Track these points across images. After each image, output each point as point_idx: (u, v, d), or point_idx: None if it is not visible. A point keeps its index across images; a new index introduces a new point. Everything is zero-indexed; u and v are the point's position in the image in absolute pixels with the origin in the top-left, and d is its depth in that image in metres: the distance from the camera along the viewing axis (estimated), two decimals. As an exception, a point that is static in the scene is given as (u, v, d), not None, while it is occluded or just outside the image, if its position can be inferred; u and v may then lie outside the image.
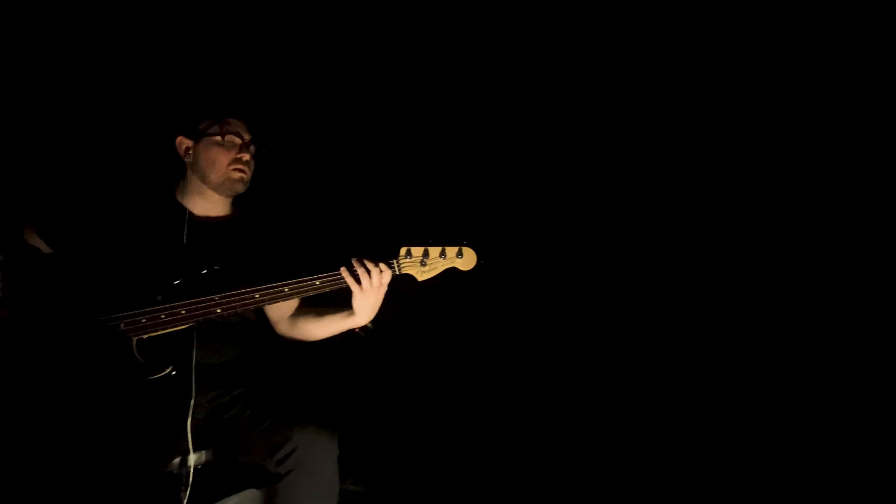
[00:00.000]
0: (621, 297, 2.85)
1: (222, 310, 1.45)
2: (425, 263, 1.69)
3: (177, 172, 1.80)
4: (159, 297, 1.42)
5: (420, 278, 1.71)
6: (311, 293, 1.58)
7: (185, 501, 1.45)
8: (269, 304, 1.55)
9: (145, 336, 1.40)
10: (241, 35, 2.60)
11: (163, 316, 1.40)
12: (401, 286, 1.73)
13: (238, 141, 1.74)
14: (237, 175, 1.72)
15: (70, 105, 2.30)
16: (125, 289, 1.44)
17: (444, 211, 2.62)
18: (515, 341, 2.90)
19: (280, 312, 1.78)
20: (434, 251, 1.70)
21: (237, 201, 1.84)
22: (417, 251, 1.70)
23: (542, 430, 2.77)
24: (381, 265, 1.61)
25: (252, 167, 1.78)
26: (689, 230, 2.82)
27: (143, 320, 1.39)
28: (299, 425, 1.56)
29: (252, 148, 1.77)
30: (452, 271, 1.74)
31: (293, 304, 1.78)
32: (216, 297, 1.45)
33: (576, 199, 2.88)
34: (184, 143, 1.74)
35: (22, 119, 2.29)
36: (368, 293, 1.60)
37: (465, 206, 2.74)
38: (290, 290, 1.55)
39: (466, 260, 1.73)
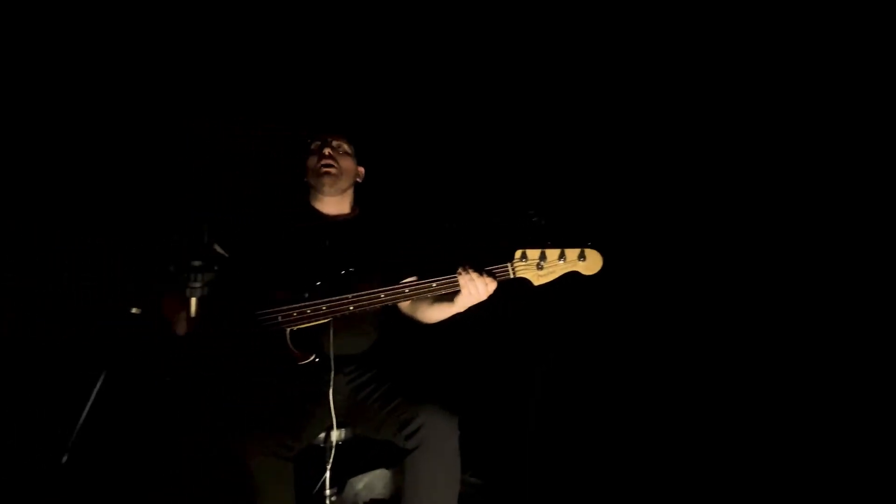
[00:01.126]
0: (742, 301, 2.65)
1: (354, 307, 1.63)
2: (542, 267, 1.64)
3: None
4: (306, 295, 1.62)
5: (536, 282, 1.67)
6: (428, 295, 1.67)
7: (328, 471, 1.67)
8: (391, 303, 1.67)
9: (295, 328, 1.62)
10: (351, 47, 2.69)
11: (308, 311, 1.61)
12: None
13: (319, 143, 1.92)
14: (323, 169, 1.88)
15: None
16: (281, 287, 1.67)
17: (564, 212, 2.54)
18: (638, 339, 2.76)
19: (406, 304, 1.93)
20: (552, 254, 1.64)
21: (357, 200, 2.02)
22: (533, 254, 1.65)
23: (663, 431, 2.65)
24: (487, 279, 1.64)
25: (341, 161, 1.91)
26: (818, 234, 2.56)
27: (294, 314, 1.61)
28: (425, 404, 1.67)
29: (333, 141, 1.92)
30: (573, 276, 1.67)
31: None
32: (349, 296, 1.63)
33: (694, 199, 2.71)
34: (301, 163, 1.98)
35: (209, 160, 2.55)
36: (472, 298, 1.67)
37: (584, 207, 2.65)
38: (409, 291, 1.65)
39: (590, 263, 1.64)
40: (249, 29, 2.59)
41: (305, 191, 1.99)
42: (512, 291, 1.73)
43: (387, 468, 1.81)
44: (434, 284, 1.67)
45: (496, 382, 2.76)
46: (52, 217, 2.41)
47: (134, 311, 1.41)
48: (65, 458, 1.30)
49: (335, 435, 1.69)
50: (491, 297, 1.69)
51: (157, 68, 2.58)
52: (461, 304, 1.72)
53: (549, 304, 2.44)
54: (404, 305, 1.92)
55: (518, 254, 1.66)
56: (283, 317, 1.62)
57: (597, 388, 2.74)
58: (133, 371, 1.53)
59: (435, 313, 1.86)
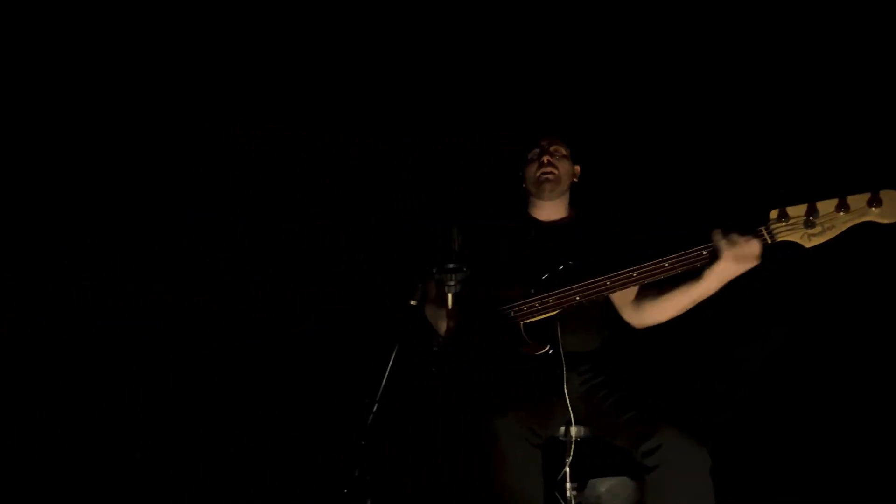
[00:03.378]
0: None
1: (580, 297, 1.63)
2: (813, 224, 1.36)
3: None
4: (532, 291, 1.69)
5: (808, 244, 1.39)
6: (661, 275, 1.55)
7: (567, 467, 1.68)
8: (619, 289, 1.62)
9: (527, 321, 1.69)
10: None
11: (537, 305, 1.67)
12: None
13: (537, 150, 1.95)
14: (543, 177, 1.91)
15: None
16: (510, 286, 1.75)
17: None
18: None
19: (624, 299, 1.82)
20: (825, 206, 1.35)
21: (573, 203, 2.04)
22: (797, 210, 1.38)
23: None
24: (752, 238, 1.42)
25: (560, 165, 1.94)
26: None
27: (525, 308, 1.69)
28: (664, 423, 1.56)
29: (553, 147, 1.94)
30: (863, 228, 1.34)
31: (635, 289, 1.79)
32: (574, 286, 1.63)
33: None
34: (519, 172, 2.03)
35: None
36: (733, 267, 1.45)
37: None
38: (638, 274, 1.56)
39: (889, 207, 1.30)
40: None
41: (523, 200, 2.03)
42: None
43: (631, 478, 1.74)
44: (667, 263, 1.52)
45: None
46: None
47: (412, 302, 1.65)
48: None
49: (574, 431, 1.70)
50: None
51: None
52: (715, 278, 1.49)
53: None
54: (627, 308, 1.81)
55: (774, 214, 1.41)
56: (515, 312, 1.70)
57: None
58: (414, 348, 1.75)
59: (670, 304, 1.68)
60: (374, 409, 1.51)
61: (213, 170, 2.65)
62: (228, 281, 2.58)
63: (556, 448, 1.71)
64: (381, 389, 1.51)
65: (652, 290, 1.71)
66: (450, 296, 1.45)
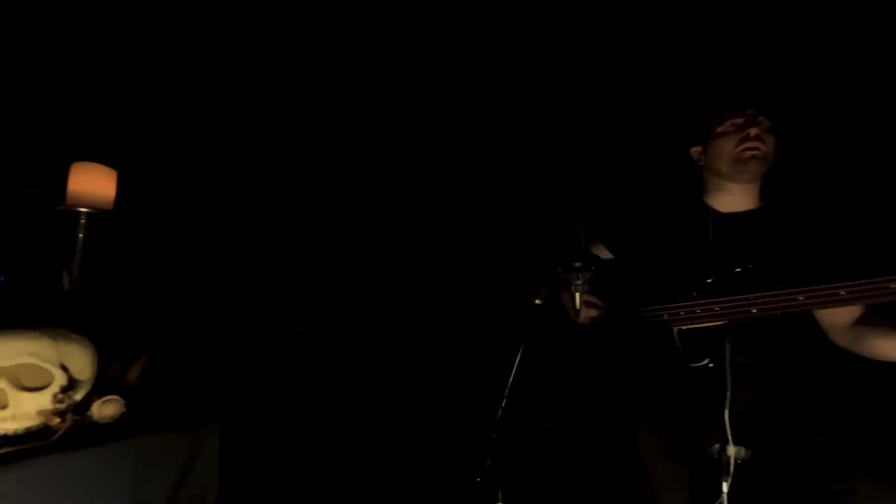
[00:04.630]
0: None
1: (757, 310, 1.34)
2: None
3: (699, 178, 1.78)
4: (694, 294, 1.47)
5: None
6: (885, 299, 1.15)
7: (725, 492, 1.46)
8: (815, 308, 1.32)
9: (683, 327, 1.49)
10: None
11: (698, 311, 1.43)
12: None
13: (740, 120, 1.60)
14: (748, 154, 1.56)
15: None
16: (667, 284, 1.55)
17: None
18: None
19: (834, 318, 1.51)
20: None
21: (765, 192, 1.69)
22: None
23: None
24: None
25: (769, 141, 1.59)
26: None
27: (681, 313, 1.47)
28: (861, 466, 1.33)
29: (761, 118, 1.59)
30: None
31: (853, 310, 1.48)
32: (751, 296, 1.34)
33: None
34: (695, 151, 1.73)
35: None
36: None
37: None
38: (848, 293, 1.19)
39: None
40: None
41: (697, 184, 1.73)
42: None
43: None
44: (893, 285, 1.14)
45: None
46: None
47: (537, 301, 1.56)
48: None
49: (733, 451, 1.46)
50: None
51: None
52: None
53: None
54: (837, 330, 1.53)
55: None
56: (668, 314, 1.48)
57: None
58: (541, 347, 1.66)
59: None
60: (503, 404, 1.45)
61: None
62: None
63: (708, 467, 1.48)
64: (508, 386, 1.46)
65: (887, 321, 1.36)
66: (577, 295, 1.38)
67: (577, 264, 1.36)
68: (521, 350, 1.49)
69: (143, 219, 2.61)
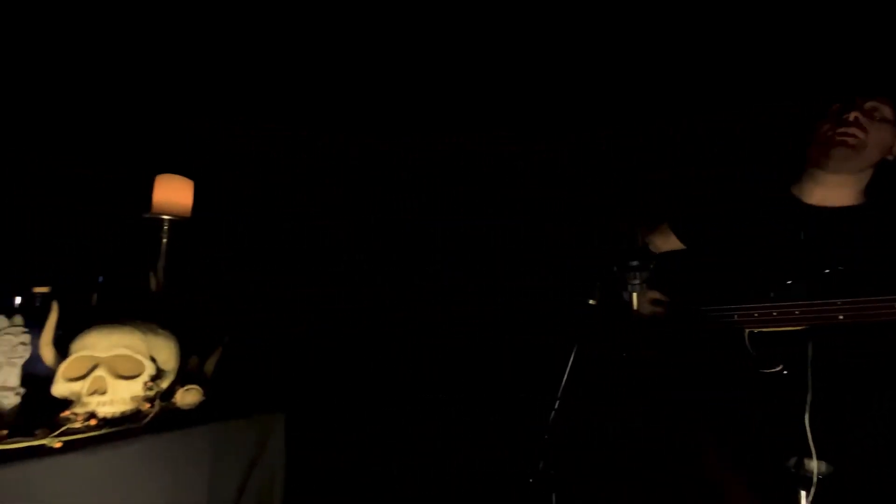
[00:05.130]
0: None
1: (845, 317, 1.26)
2: None
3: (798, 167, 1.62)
4: (772, 294, 1.37)
5: None
6: None
7: None
8: None
9: (756, 330, 1.39)
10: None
11: (774, 314, 1.33)
12: None
13: (837, 104, 1.44)
14: (837, 137, 1.40)
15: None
16: (741, 281, 1.45)
17: None
18: None
19: None
20: None
21: (871, 189, 1.51)
22: None
23: None
24: None
25: (872, 130, 1.41)
26: None
27: (755, 315, 1.36)
28: None
29: (869, 105, 1.42)
30: None
31: None
32: (838, 301, 1.25)
33: None
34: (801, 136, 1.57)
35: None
36: None
37: None
38: None
39: None
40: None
41: (793, 173, 1.57)
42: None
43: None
44: None
45: None
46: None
47: (591, 301, 1.53)
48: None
49: (814, 466, 1.37)
50: None
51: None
52: None
53: None
54: None
55: None
56: (740, 315, 1.38)
57: None
58: (595, 346, 1.63)
59: None
60: (556, 405, 1.43)
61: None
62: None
63: (784, 480, 1.38)
64: (561, 387, 1.44)
65: None
66: (634, 295, 1.32)
67: (635, 263, 1.31)
68: (574, 351, 1.45)
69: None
